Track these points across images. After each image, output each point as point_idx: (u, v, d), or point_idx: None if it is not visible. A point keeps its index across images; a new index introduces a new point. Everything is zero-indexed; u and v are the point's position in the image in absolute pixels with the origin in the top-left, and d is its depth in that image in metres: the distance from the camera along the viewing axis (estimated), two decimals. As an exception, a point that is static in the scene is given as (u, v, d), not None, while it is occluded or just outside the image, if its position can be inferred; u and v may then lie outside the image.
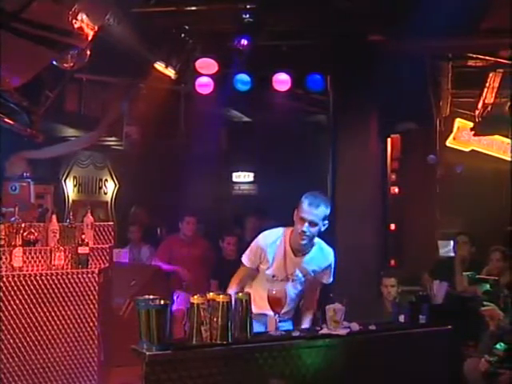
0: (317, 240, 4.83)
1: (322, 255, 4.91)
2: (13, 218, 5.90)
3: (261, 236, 4.90)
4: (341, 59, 7.72)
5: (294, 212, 4.73)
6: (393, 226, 9.19)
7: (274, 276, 4.79)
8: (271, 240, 4.83)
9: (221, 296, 3.91)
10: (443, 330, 4.68)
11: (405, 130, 9.04)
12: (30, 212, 6.36)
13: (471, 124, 10.63)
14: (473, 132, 10.55)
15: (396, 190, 9.42)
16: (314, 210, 4.60)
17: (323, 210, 4.63)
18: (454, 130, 11.00)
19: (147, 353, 3.70)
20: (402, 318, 4.74)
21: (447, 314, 4.83)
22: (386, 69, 7.40)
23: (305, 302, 5.05)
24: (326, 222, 4.70)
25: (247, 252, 4.91)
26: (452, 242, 7.99)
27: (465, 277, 7.16)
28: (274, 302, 4.21)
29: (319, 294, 5.14)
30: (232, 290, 4.74)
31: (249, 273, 4.92)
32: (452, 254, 7.93)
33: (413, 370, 4.50)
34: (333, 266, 5.00)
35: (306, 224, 4.61)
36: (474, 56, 8.35)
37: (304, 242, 4.69)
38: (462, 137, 11.10)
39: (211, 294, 3.95)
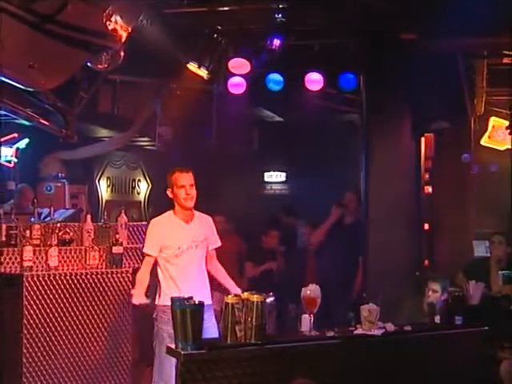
0: None
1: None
2: (48, 218, 5.98)
3: None
4: (373, 58, 7.66)
5: None
6: (426, 226, 9.10)
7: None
8: None
9: (255, 296, 3.91)
10: (479, 331, 4.63)
11: (439, 128, 8.95)
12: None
13: (506, 122, 10.47)
14: (508, 130, 10.41)
15: (430, 189, 9.33)
16: (188, 174, 5.27)
17: (191, 173, 5.31)
18: (489, 128, 10.86)
19: (182, 352, 3.72)
20: (437, 319, 4.70)
21: (483, 315, 4.78)
22: (420, 67, 7.33)
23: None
24: None
25: None
26: (487, 242, 7.89)
27: (500, 276, 7.07)
28: (309, 302, 4.20)
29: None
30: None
31: None
32: (487, 255, 7.83)
33: (448, 372, 4.47)
34: None
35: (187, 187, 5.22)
36: (510, 53, 8.23)
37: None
38: (497, 135, 10.95)
39: (246, 293, 3.95)
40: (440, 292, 6.36)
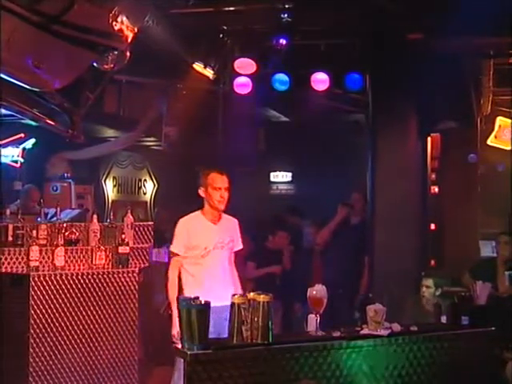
0: None
1: None
2: (54, 218, 5.99)
3: None
4: (380, 58, 7.65)
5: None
6: (433, 226, 9.08)
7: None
8: None
9: (261, 296, 3.91)
10: (486, 332, 4.61)
11: (445, 128, 8.93)
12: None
13: (513, 122, 10.48)
14: (514, 130, 10.40)
15: (436, 189, 9.31)
16: (224, 177, 5.40)
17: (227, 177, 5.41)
18: (496, 128, 10.84)
19: (188, 352, 3.72)
20: (443, 319, 4.69)
21: (489, 316, 4.76)
22: (426, 67, 7.32)
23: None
24: None
25: None
26: (493, 242, 7.87)
27: (506, 276, 7.05)
28: (315, 302, 4.19)
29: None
30: None
31: None
32: (494, 255, 7.81)
33: (454, 372, 4.45)
34: None
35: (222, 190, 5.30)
36: (517, 53, 8.21)
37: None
38: (503, 135, 10.93)
39: (252, 293, 3.95)
40: (433, 288, 6.36)
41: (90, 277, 5.53)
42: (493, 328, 4.62)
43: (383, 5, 6.92)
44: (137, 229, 6.26)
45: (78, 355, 5.45)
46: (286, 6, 7.03)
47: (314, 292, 4.22)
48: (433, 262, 8.84)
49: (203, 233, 5.26)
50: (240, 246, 5.55)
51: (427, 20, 7.19)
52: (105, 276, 5.60)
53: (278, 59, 7.83)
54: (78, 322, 5.46)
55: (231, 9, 7.12)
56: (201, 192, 5.33)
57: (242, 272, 8.02)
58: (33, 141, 10.56)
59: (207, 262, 5.20)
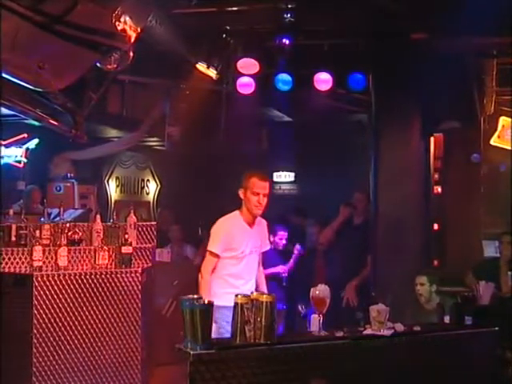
0: None
1: None
2: (58, 218, 6.00)
3: None
4: (383, 58, 7.65)
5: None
6: (436, 226, 9.08)
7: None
8: None
9: (264, 296, 3.91)
10: (489, 332, 4.61)
11: (448, 128, 8.93)
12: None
13: (516, 122, 10.46)
14: (517, 130, 10.39)
15: (439, 189, 9.31)
16: (265, 183, 5.32)
17: (269, 183, 5.36)
18: (499, 128, 10.82)
19: (191, 352, 3.72)
20: (447, 319, 4.68)
21: (492, 316, 4.75)
22: (429, 67, 7.32)
23: None
24: None
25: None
26: (497, 242, 7.86)
27: (510, 276, 7.04)
28: (318, 302, 4.19)
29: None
30: None
31: None
32: (497, 255, 7.80)
33: (457, 373, 4.45)
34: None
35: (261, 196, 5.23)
36: (520, 53, 8.20)
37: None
38: (506, 135, 10.90)
39: (255, 293, 3.96)
40: (428, 284, 6.36)
41: (93, 277, 5.53)
42: (496, 328, 4.62)
43: (386, 5, 6.92)
44: (140, 229, 6.27)
45: (80, 355, 5.45)
46: (289, 6, 7.02)
47: (317, 292, 4.22)
48: (436, 262, 8.84)
49: (241, 236, 5.28)
50: (267, 247, 5.63)
51: (430, 20, 7.18)
52: (108, 276, 5.60)
53: (281, 59, 7.84)
54: (81, 322, 5.46)
55: (234, 9, 7.12)
56: (240, 193, 5.34)
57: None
58: (36, 141, 10.58)
59: (241, 265, 5.24)
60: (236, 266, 5.24)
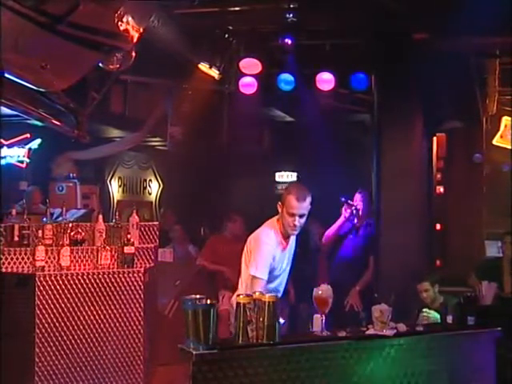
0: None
1: None
2: (60, 218, 6.01)
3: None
4: (385, 58, 7.64)
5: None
6: (438, 226, 9.07)
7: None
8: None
9: (267, 296, 3.91)
10: (492, 333, 4.61)
11: (450, 128, 8.91)
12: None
13: (519, 122, 10.46)
14: (520, 130, 10.39)
15: (441, 189, 9.29)
16: (303, 204, 4.84)
17: (309, 201, 4.90)
18: (501, 128, 10.81)
19: (194, 352, 3.71)
20: (449, 319, 4.68)
21: (495, 316, 4.75)
22: (431, 67, 7.31)
23: None
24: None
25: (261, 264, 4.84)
26: (499, 243, 7.85)
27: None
28: (321, 302, 4.19)
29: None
30: None
31: None
32: (499, 255, 7.79)
33: (460, 373, 4.44)
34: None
35: (297, 217, 4.83)
36: (522, 53, 8.19)
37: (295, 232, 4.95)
38: (509, 135, 10.91)
39: (257, 293, 3.95)
40: (431, 289, 6.34)
41: (95, 277, 5.54)
42: (498, 328, 4.62)
43: (388, 5, 6.92)
44: (142, 229, 6.27)
45: (83, 355, 5.46)
46: (291, 6, 7.03)
47: (320, 292, 4.22)
48: (438, 262, 8.83)
49: (281, 255, 5.04)
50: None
51: (432, 20, 7.17)
52: (110, 276, 5.60)
53: (283, 59, 7.84)
54: (84, 322, 5.46)
55: (236, 9, 7.13)
56: (278, 207, 4.94)
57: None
58: (38, 141, 10.61)
59: (276, 281, 5.08)
60: (272, 281, 5.02)
